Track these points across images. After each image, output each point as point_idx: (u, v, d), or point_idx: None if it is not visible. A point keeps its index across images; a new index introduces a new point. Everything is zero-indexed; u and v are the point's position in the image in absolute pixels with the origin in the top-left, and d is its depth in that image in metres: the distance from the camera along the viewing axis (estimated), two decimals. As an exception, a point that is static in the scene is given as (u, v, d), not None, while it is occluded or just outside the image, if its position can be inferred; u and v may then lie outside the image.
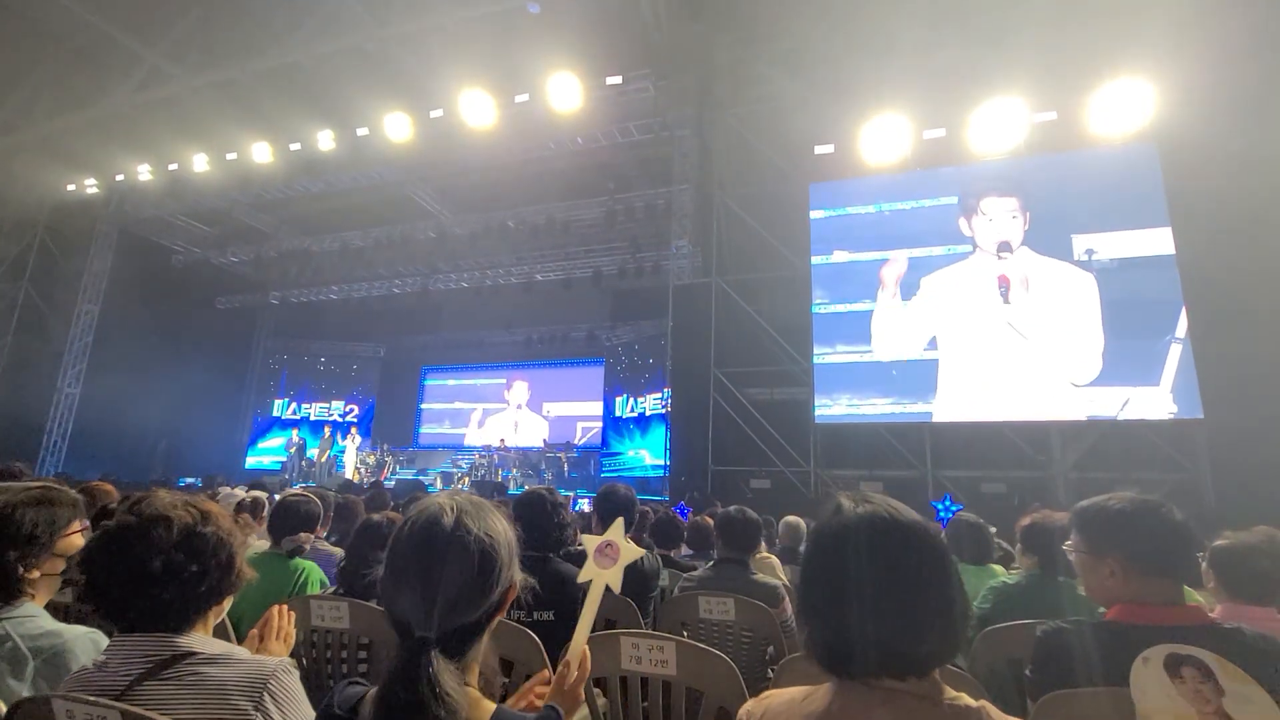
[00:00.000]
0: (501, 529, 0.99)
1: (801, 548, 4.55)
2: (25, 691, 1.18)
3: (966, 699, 0.85)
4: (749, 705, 0.96)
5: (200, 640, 1.11)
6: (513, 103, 9.66)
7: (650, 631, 1.79)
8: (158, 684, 1.03)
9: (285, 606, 1.51)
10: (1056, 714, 1.21)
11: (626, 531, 2.73)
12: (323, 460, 14.31)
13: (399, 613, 0.91)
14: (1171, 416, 7.51)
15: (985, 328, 8.33)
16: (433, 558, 0.91)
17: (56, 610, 1.71)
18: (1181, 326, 7.59)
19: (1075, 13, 8.11)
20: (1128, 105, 8.00)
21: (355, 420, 16.76)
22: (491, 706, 0.93)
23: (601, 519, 2.69)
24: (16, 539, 1.31)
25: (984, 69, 8.45)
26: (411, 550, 0.92)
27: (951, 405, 8.37)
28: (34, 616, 1.30)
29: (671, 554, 3.48)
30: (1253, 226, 7.29)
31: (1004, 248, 8.48)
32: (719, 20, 9.37)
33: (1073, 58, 8.18)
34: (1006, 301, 8.31)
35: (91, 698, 0.93)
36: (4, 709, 1.02)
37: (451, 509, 0.96)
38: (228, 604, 1.21)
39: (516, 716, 0.93)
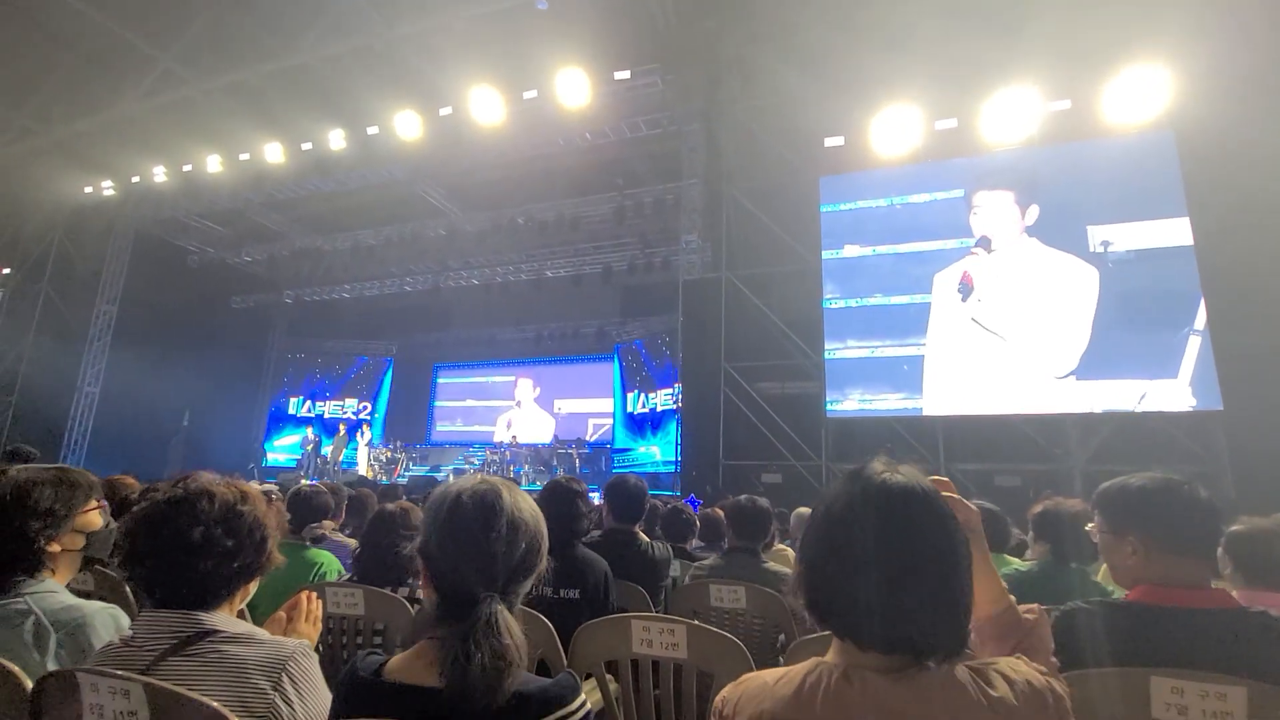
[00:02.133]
0: (538, 509, 1.09)
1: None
2: (50, 664, 1.21)
3: (932, 663, 0.83)
4: (725, 691, 0.95)
5: (224, 619, 1.14)
6: (521, 99, 9.66)
7: (661, 615, 1.80)
8: (181, 660, 1.05)
9: (313, 592, 1.54)
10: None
11: (638, 523, 2.76)
12: (338, 458, 14.46)
13: (458, 577, 0.98)
14: (1190, 408, 7.41)
15: (987, 322, 8.28)
16: (498, 530, 0.99)
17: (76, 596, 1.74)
18: (1200, 318, 7.48)
19: (1089, -2, 7.98)
20: (1144, 93, 7.85)
21: (368, 418, 16.91)
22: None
23: (612, 509, 2.71)
24: (36, 511, 1.36)
25: (996, 58, 8.33)
26: (476, 523, 0.99)
27: (964, 400, 8.31)
28: (55, 592, 1.34)
29: (685, 545, 3.49)
30: (1273, 216, 7.15)
31: (981, 243, 8.45)
32: (727, 14, 9.32)
33: (1087, 45, 8.05)
34: (964, 300, 8.35)
35: (116, 671, 0.96)
36: (30, 683, 1.04)
37: (505, 489, 1.05)
38: (253, 587, 1.25)
39: (535, 680, 0.98)
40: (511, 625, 0.94)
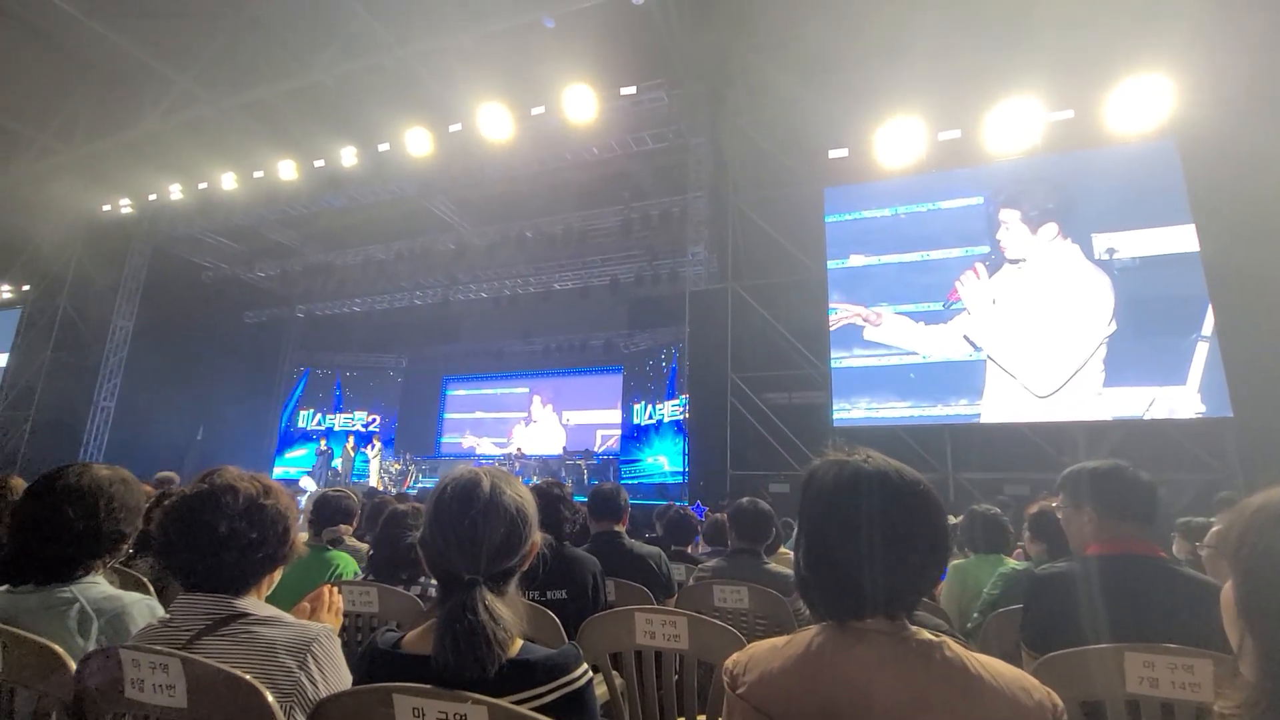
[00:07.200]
0: (526, 494, 1.14)
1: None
2: (91, 648, 1.29)
3: (927, 633, 0.92)
4: (735, 656, 1.01)
5: (254, 603, 1.22)
6: (529, 115, 9.84)
7: (662, 607, 1.86)
8: (215, 639, 1.13)
9: (334, 585, 1.62)
10: (1054, 671, 1.25)
11: (619, 522, 2.83)
12: (348, 470, 14.58)
13: (446, 561, 1.06)
14: (1199, 415, 7.37)
15: (1001, 331, 8.30)
16: (477, 516, 1.06)
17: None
18: (1208, 324, 7.46)
19: (1092, 9, 8.05)
20: (1146, 102, 7.89)
21: (378, 430, 17.04)
22: (520, 641, 1.05)
23: (592, 512, 2.80)
24: (126, 507, 1.51)
25: (999, 69, 8.41)
26: (458, 510, 1.06)
27: (972, 407, 8.31)
28: (97, 583, 1.44)
29: (689, 549, 3.54)
30: (1278, 221, 7.16)
31: (989, 256, 8.53)
32: (732, 27, 9.46)
33: (1089, 55, 8.11)
34: (954, 316, 8.54)
35: (156, 647, 1.03)
36: (73, 664, 1.12)
37: (487, 476, 1.11)
38: (279, 575, 1.33)
39: (539, 649, 1.04)
40: (491, 603, 1.00)
